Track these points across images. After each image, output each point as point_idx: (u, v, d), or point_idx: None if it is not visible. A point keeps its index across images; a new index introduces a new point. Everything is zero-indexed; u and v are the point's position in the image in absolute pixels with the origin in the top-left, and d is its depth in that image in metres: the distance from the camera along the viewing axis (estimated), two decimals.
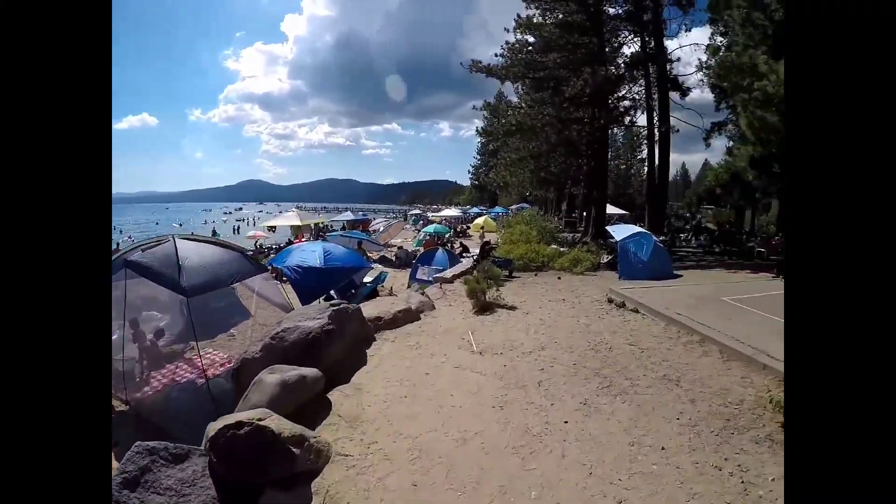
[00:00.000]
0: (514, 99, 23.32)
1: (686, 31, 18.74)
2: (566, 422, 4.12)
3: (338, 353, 5.51)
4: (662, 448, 3.67)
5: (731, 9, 13.14)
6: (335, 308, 5.94)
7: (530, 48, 18.17)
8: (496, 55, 18.10)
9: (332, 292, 10.34)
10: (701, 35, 32.74)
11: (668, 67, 18.48)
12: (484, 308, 7.97)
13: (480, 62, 17.54)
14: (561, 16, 17.45)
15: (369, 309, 7.14)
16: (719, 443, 3.72)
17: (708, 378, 4.93)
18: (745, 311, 7.60)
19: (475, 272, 9.32)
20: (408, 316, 7.44)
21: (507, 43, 18.02)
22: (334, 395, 4.63)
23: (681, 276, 11.36)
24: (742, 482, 3.24)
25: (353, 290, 10.94)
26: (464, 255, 15.87)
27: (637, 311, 7.68)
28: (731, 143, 19.21)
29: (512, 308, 8.10)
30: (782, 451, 3.57)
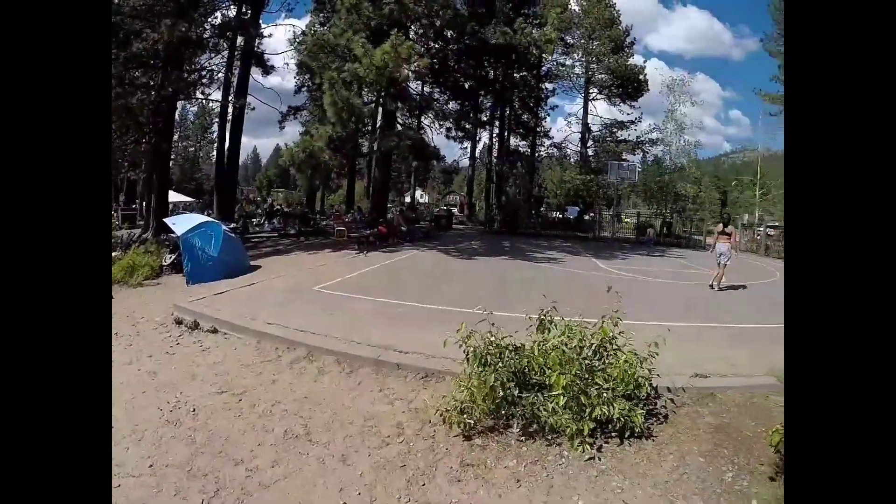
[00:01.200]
0: None
1: (287, 13, 18.29)
2: None
3: None
4: None
5: None
6: None
7: None
8: None
9: None
10: (299, 24, 33.71)
11: (257, 42, 17.22)
12: None
13: None
14: None
15: None
16: None
17: (343, 410, 3.82)
18: (343, 298, 7.18)
19: None
20: None
21: None
22: None
23: (259, 266, 10.39)
24: None
25: None
26: None
27: (216, 332, 5.79)
28: (305, 127, 20.13)
29: None
30: (490, 473, 2.97)
